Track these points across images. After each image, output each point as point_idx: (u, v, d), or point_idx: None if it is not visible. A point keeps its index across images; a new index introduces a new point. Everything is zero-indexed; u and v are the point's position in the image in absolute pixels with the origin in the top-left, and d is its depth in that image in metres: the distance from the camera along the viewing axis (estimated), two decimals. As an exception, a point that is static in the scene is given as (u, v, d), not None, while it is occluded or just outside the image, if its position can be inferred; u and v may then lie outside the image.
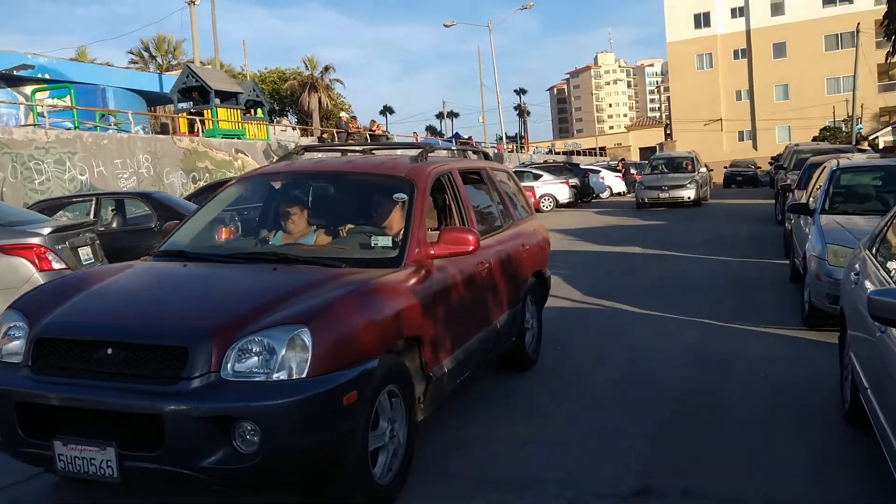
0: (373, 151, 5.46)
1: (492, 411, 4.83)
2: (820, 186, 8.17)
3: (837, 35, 60.96)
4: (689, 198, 21.16)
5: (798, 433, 4.28)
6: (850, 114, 52.56)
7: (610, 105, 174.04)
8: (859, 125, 48.57)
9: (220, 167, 17.00)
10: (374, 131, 24.73)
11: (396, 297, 3.55)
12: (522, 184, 24.27)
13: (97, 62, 33.83)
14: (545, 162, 31.48)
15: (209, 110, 20.50)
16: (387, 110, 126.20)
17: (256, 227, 4.68)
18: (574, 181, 27.46)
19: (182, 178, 14.98)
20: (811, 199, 8.42)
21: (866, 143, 35.36)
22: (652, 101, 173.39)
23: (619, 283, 9.78)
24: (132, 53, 43.66)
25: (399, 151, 6.23)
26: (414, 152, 4.66)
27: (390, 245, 3.96)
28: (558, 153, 58.72)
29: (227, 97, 21.67)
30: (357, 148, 5.72)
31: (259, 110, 23.64)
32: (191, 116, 20.70)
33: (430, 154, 4.79)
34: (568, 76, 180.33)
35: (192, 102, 21.21)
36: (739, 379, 5.38)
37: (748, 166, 42.35)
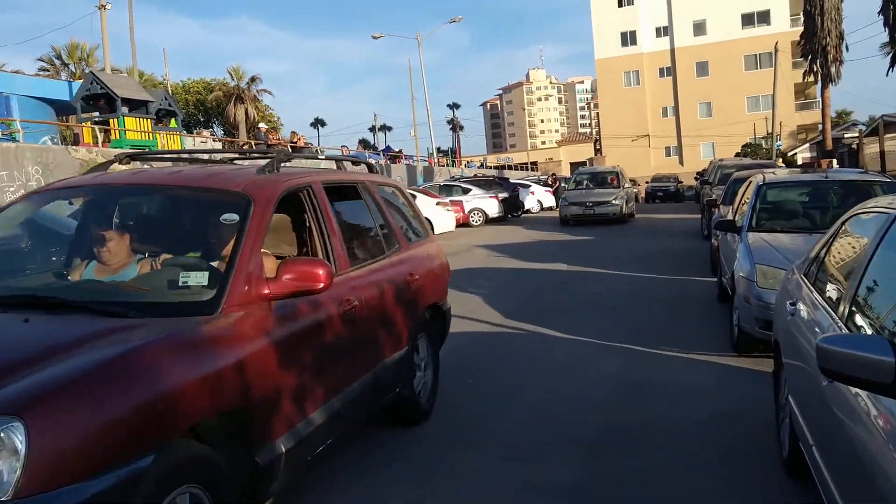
0: (232, 161, 4.61)
1: (378, 471, 4.07)
2: (746, 202, 7.81)
3: (756, 55, 63.14)
4: (614, 213, 20.63)
5: (729, 487, 3.71)
6: (770, 131, 54.35)
7: (542, 121, 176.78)
8: (779, 142, 50.13)
9: (123, 180, 15.78)
10: (296, 143, 23.78)
11: (196, 358, 2.61)
12: (450, 198, 23.87)
13: (4, 69, 31.76)
14: (475, 176, 31.09)
15: (116, 119, 19.21)
16: (318, 122, 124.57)
17: (67, 255, 3.71)
18: (504, 195, 27.09)
19: (80, 192, 13.62)
20: (738, 215, 8.08)
21: (781, 161, 36.42)
22: (583, 116, 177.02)
23: (540, 303, 9.23)
24: (42, 60, 41.40)
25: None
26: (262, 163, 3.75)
27: (205, 283, 3.01)
28: (491, 167, 58.71)
29: (137, 105, 20.38)
30: (203, 156, 4.77)
31: (173, 120, 22.39)
32: (95, 125, 19.38)
33: (287, 164, 3.98)
34: (500, 92, 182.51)
35: (98, 111, 19.87)
36: (664, 413, 4.83)
37: (670, 181, 41.86)
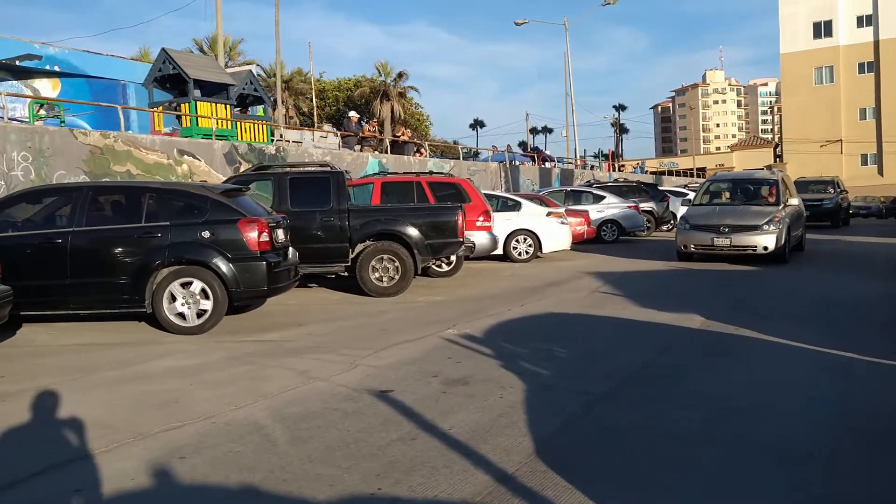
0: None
1: None
2: None
3: (984, 47, 52.50)
4: (765, 248, 13.07)
5: None
6: None
7: (717, 125, 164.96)
8: None
9: (153, 172, 13.17)
10: (399, 137, 20.60)
11: None
12: (576, 207, 19.56)
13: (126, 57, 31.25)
14: (617, 181, 26.39)
15: (188, 104, 16.91)
16: (477, 123, 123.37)
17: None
18: (649, 205, 22.34)
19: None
20: None
21: None
22: (764, 121, 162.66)
23: (630, 417, 5.01)
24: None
25: None
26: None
27: None
28: (652, 172, 52.81)
29: (216, 90, 18.04)
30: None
31: (261, 109, 19.93)
32: (167, 111, 17.18)
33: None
34: (673, 94, 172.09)
35: (176, 94, 17.74)
36: None
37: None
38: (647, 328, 7.90)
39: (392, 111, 54.69)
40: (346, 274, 10.41)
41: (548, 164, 31.50)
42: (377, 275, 10.19)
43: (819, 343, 6.98)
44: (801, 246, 15.51)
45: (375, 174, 13.57)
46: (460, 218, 10.29)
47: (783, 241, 13.21)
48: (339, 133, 20.19)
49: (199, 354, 6.84)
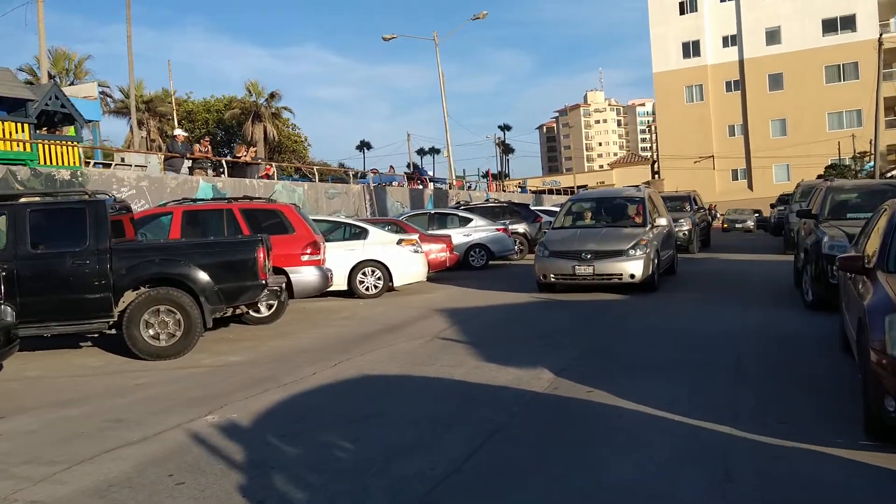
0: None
1: None
2: None
3: (839, 66, 55.48)
4: (632, 276, 11.48)
5: None
6: (863, 150, 46.86)
7: (600, 144, 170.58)
8: (870, 162, 42.53)
9: None
10: (241, 157, 18.25)
11: None
12: (441, 231, 17.80)
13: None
14: (488, 201, 24.97)
15: (-30, 123, 14.05)
16: (364, 145, 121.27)
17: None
18: (520, 227, 20.95)
19: None
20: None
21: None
22: (643, 140, 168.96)
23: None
24: (22, 70, 37.33)
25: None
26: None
27: None
28: (535, 191, 52.28)
29: (13, 106, 15.22)
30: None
31: (72, 128, 17.15)
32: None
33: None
34: (557, 114, 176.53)
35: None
36: None
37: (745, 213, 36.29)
38: (478, 396, 6.04)
39: (265, 133, 51.84)
40: (112, 332, 8.06)
41: (422, 185, 29.79)
42: (152, 332, 7.91)
43: (690, 409, 5.35)
44: (672, 269, 14.21)
45: (175, 202, 11.28)
46: (261, 254, 8.17)
47: (651, 269, 11.68)
48: (163, 154, 17.62)
49: None
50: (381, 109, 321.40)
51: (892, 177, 37.84)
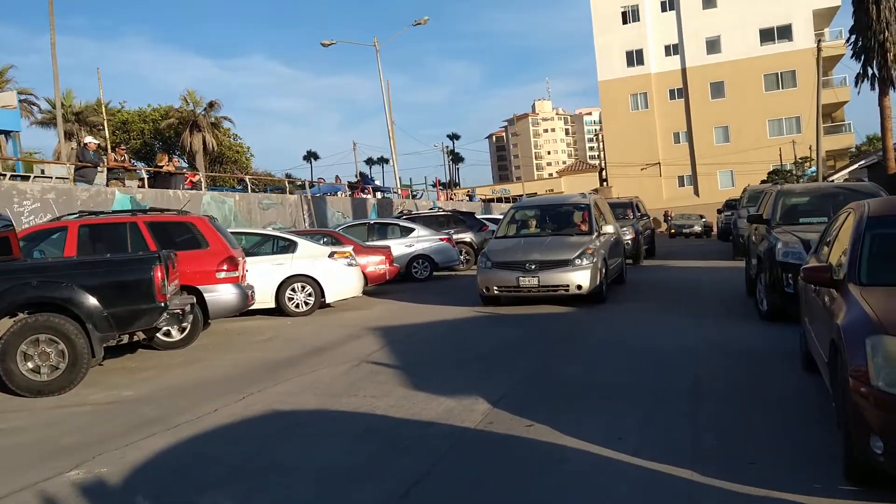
0: None
1: None
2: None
3: (778, 74, 56.54)
4: (579, 287, 10.77)
5: None
6: (804, 156, 47.68)
7: (549, 152, 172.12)
8: (812, 168, 43.19)
9: None
10: (162, 167, 17.05)
11: None
12: (381, 242, 16.82)
13: None
14: (432, 210, 24.16)
15: None
16: (311, 155, 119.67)
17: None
18: (466, 235, 20.20)
19: None
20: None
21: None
22: (591, 148, 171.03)
23: None
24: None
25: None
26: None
27: None
28: (485, 200, 51.69)
29: None
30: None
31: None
32: None
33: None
34: (506, 123, 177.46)
35: None
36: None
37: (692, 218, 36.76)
38: (399, 436, 5.18)
39: (204, 143, 50.11)
40: (-17, 366, 6.94)
41: (365, 194, 28.83)
42: (32, 364, 6.83)
43: (643, 447, 4.59)
44: (621, 278, 13.59)
45: (71, 215, 10.14)
46: (158, 273, 7.16)
47: (599, 279, 11.00)
48: (71, 163, 16.33)
49: None
50: (332, 120, 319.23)
51: (832, 182, 38.50)
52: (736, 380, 6.30)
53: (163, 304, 7.23)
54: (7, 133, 27.97)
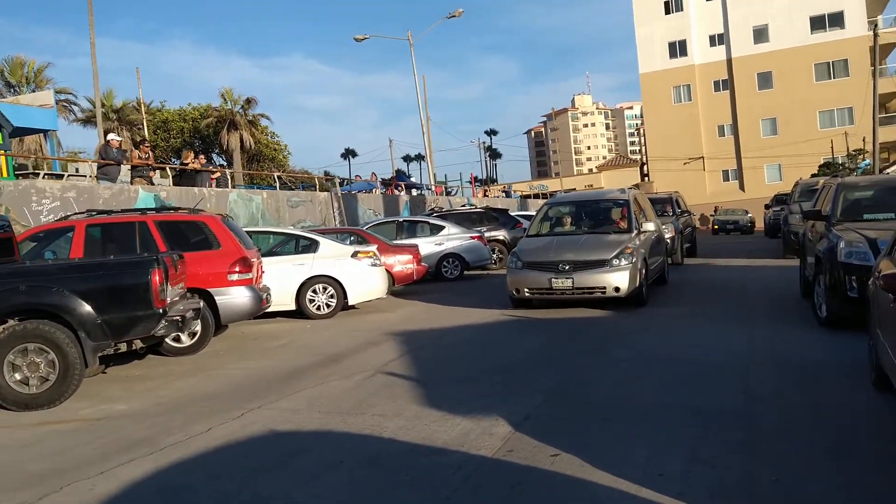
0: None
1: None
2: None
3: (829, 63, 54.31)
4: (616, 289, 9.95)
5: None
6: (849, 148, 45.79)
7: (588, 147, 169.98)
8: (866, 160, 41.32)
9: None
10: (188, 164, 16.70)
11: None
12: (408, 241, 16.20)
13: None
14: (465, 206, 23.46)
15: None
16: (349, 153, 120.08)
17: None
18: (499, 233, 19.47)
19: None
20: None
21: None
22: (632, 142, 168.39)
23: None
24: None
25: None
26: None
27: None
28: (522, 196, 50.79)
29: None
30: None
31: None
32: None
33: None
34: (545, 119, 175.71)
35: None
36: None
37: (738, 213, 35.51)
38: (405, 467, 4.52)
39: (242, 141, 50.18)
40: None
41: (399, 191, 28.26)
42: (20, 375, 6.36)
43: (689, 487, 3.86)
44: (663, 278, 12.71)
45: (79, 214, 9.71)
46: (156, 277, 6.62)
47: (639, 280, 10.16)
48: (95, 162, 16.06)
49: None
50: (369, 118, 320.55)
51: (888, 173, 36.67)
52: (795, 400, 5.50)
53: (161, 311, 6.69)
54: (45, 132, 28.19)
